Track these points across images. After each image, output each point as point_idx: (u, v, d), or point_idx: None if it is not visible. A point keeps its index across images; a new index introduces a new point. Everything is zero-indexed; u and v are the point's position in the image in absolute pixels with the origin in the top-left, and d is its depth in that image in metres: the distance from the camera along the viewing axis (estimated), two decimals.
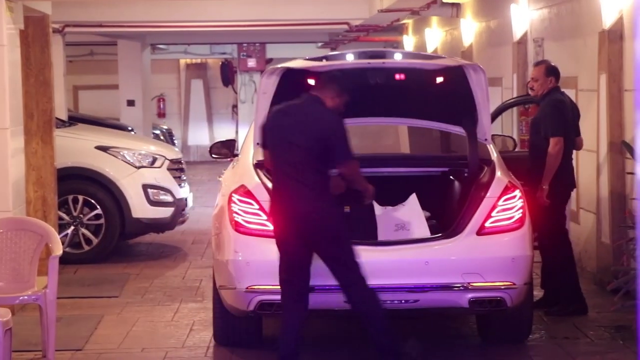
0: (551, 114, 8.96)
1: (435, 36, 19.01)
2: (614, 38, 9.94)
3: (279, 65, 7.98)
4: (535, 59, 12.79)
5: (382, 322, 7.25)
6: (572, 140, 9.13)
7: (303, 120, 7.27)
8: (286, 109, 7.38)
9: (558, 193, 8.99)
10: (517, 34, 13.41)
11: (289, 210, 7.22)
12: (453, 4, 16.45)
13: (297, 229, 7.20)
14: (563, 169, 8.98)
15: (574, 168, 9.30)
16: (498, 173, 7.95)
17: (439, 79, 8.22)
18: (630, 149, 8.41)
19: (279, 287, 7.36)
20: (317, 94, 7.38)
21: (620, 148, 9.65)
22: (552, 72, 9.13)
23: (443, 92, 8.39)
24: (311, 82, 7.78)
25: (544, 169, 8.87)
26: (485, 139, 8.29)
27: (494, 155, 8.28)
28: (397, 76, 8.18)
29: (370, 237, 7.97)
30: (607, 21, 10.00)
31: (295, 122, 7.27)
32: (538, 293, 9.10)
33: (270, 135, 7.39)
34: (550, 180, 8.87)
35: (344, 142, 7.20)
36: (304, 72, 7.94)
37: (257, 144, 7.80)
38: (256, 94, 8.67)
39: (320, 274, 7.30)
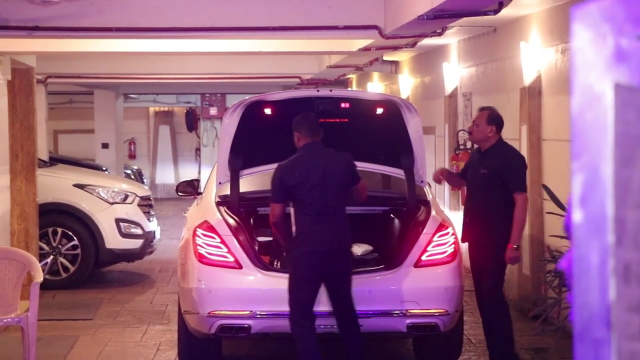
0: (520, 169, 7.66)
1: (376, 90, 19.06)
2: (533, 94, 10.00)
3: (235, 103, 7.99)
4: (465, 111, 12.84)
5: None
6: None
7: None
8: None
9: (503, 251, 7.63)
10: (449, 88, 13.47)
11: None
12: (392, 62, 16.53)
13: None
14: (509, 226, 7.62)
15: None
16: (433, 212, 7.93)
17: (379, 110, 8.18)
18: (549, 191, 8.44)
19: (237, 312, 7.30)
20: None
21: (539, 190, 9.68)
22: (493, 120, 7.72)
23: (382, 133, 8.34)
24: (267, 111, 7.80)
25: (513, 227, 7.49)
26: (422, 181, 8.27)
27: (430, 196, 8.26)
28: (343, 104, 8.13)
29: None
30: (528, 79, 10.06)
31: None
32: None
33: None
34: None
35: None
36: (261, 106, 7.97)
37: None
38: (217, 138, 8.63)
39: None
